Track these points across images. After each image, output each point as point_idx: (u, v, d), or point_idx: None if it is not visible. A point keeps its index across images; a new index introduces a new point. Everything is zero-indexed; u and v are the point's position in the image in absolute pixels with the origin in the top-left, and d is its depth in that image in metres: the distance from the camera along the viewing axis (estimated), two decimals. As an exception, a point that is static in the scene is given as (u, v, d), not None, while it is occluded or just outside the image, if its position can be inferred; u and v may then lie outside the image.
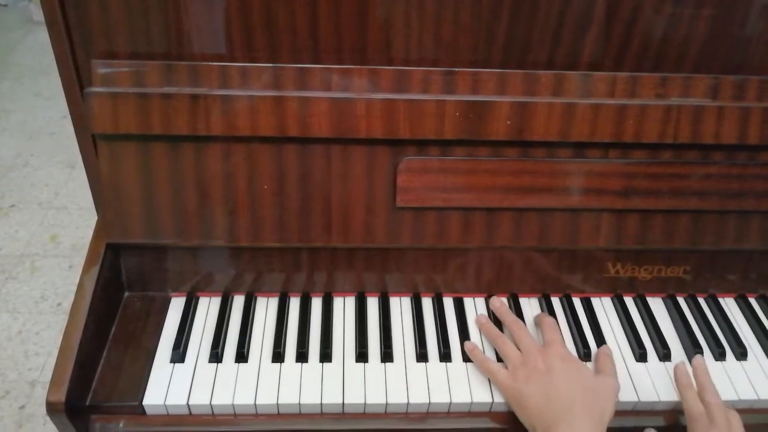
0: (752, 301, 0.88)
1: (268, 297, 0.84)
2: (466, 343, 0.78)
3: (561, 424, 0.65)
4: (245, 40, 0.73)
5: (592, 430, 0.66)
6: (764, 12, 0.74)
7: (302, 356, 0.76)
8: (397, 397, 0.73)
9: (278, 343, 0.77)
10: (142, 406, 0.71)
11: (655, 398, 0.74)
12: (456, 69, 0.74)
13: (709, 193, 0.78)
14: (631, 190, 0.78)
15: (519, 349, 0.74)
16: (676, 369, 0.75)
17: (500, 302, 0.82)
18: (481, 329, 0.80)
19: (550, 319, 0.79)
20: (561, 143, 0.76)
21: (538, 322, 0.81)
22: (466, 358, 0.77)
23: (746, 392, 0.76)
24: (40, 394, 1.51)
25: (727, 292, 0.88)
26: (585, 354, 0.78)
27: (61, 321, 1.68)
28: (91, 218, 2.13)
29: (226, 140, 0.74)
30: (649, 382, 0.76)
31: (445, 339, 0.79)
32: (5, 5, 3.41)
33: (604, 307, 0.86)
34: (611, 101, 0.74)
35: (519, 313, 0.83)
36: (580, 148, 0.77)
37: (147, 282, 0.82)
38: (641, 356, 0.79)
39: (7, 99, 2.66)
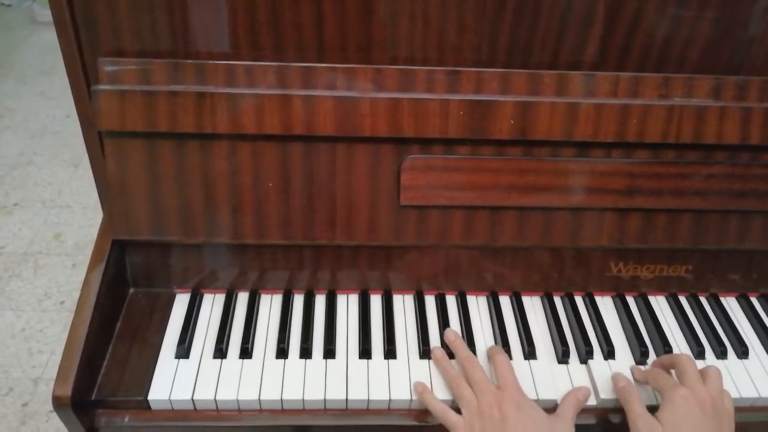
0: (753, 300, 0.88)
1: (272, 294, 0.85)
2: (416, 384, 0.74)
3: None
4: (251, 39, 0.74)
5: None
6: (766, 13, 0.74)
7: (306, 352, 0.77)
8: (400, 394, 0.73)
9: (282, 340, 0.78)
10: (147, 401, 0.71)
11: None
12: (460, 68, 0.75)
13: (711, 192, 0.79)
14: (633, 190, 0.78)
15: (473, 389, 0.71)
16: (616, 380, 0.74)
17: (455, 335, 0.78)
18: (436, 365, 0.76)
19: (503, 356, 0.74)
20: (564, 143, 0.77)
21: (489, 357, 0.76)
22: (468, 356, 0.78)
23: (748, 390, 0.76)
24: (43, 392, 1.52)
25: (728, 291, 0.89)
26: (587, 352, 0.79)
27: (64, 319, 1.68)
28: (95, 216, 2.15)
29: (231, 138, 0.74)
30: (651, 381, 0.76)
31: (447, 336, 0.79)
32: (9, 5, 3.43)
33: (605, 305, 0.86)
34: (614, 101, 0.75)
35: (521, 312, 0.83)
36: (583, 147, 0.77)
37: (152, 278, 0.83)
38: (642, 354, 0.79)
39: (10, 98, 2.67)
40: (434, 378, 0.75)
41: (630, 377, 0.76)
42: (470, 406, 0.69)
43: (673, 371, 0.73)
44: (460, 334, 0.80)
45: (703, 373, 0.71)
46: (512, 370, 0.73)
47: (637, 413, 0.68)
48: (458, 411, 0.71)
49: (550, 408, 0.73)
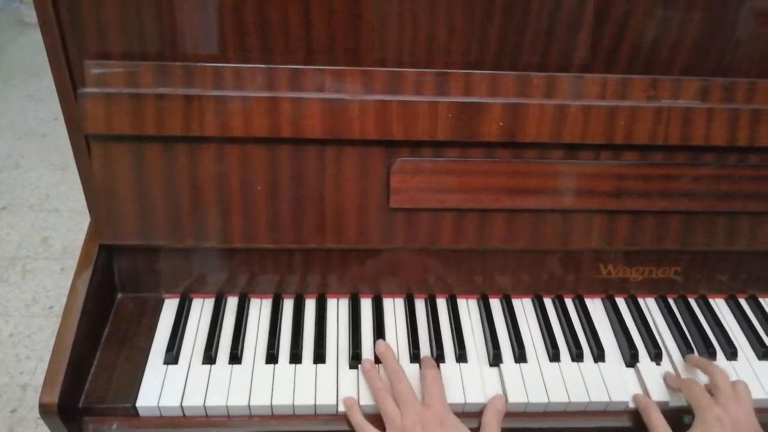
0: (742, 301, 0.89)
1: (261, 298, 0.84)
2: (345, 399, 0.72)
3: None
4: (238, 41, 0.73)
5: None
6: (752, 15, 0.75)
7: (296, 357, 0.76)
8: (391, 398, 0.73)
9: (272, 345, 0.77)
10: (136, 407, 0.71)
11: (646, 398, 0.75)
12: (449, 70, 0.74)
13: (700, 194, 0.79)
14: (622, 192, 0.78)
15: (398, 404, 0.70)
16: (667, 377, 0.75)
17: (385, 346, 0.76)
18: (365, 377, 0.74)
19: (433, 371, 0.73)
20: (553, 144, 0.76)
21: (421, 369, 0.75)
22: (459, 359, 0.78)
23: (736, 391, 0.76)
24: (32, 398, 1.50)
25: (717, 292, 0.89)
26: (577, 355, 0.79)
27: (52, 324, 1.67)
28: (83, 221, 2.13)
29: (219, 141, 0.74)
30: (641, 383, 0.76)
31: (438, 340, 0.79)
32: (-4, 7, 3.40)
33: (595, 307, 0.86)
34: (602, 103, 0.75)
35: (512, 315, 0.83)
36: (572, 149, 0.77)
37: (140, 283, 0.82)
38: (633, 356, 0.79)
39: (-3, 100, 2.65)
40: (425, 381, 0.75)
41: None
42: (393, 422, 0.68)
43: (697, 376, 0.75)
44: (450, 337, 0.80)
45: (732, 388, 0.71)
46: (441, 386, 0.72)
47: None
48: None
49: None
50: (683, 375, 0.77)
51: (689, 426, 0.69)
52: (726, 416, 0.67)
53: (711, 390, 0.71)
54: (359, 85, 0.74)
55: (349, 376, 0.75)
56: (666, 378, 0.77)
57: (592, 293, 0.87)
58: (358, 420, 0.70)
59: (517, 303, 0.86)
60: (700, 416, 0.68)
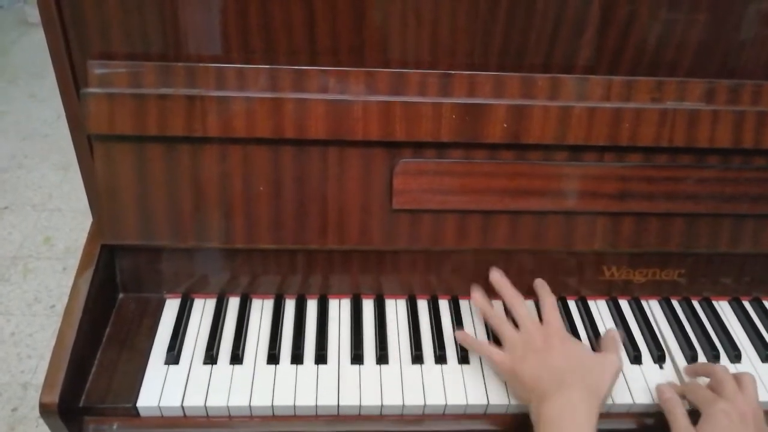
0: (746, 304, 0.88)
1: (263, 299, 0.84)
2: (458, 332, 0.77)
3: (554, 394, 0.66)
4: (242, 42, 0.73)
5: (586, 400, 0.66)
6: (758, 17, 0.74)
7: (297, 358, 0.76)
8: (393, 399, 0.72)
9: (273, 345, 0.77)
10: (136, 408, 0.70)
11: (649, 400, 0.74)
12: (453, 72, 0.74)
13: (704, 196, 0.79)
14: (626, 194, 0.78)
15: (517, 326, 0.75)
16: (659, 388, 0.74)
17: (500, 274, 0.80)
18: (477, 306, 0.79)
19: (551, 299, 0.79)
20: (557, 146, 0.76)
21: (539, 296, 0.80)
22: (461, 360, 0.77)
23: (740, 395, 0.76)
24: (33, 397, 1.50)
25: (721, 295, 0.88)
26: (580, 357, 0.78)
27: (54, 323, 1.67)
28: (85, 220, 2.14)
29: (222, 142, 0.74)
30: (644, 385, 0.76)
31: (440, 341, 0.79)
32: (0, 7, 3.41)
33: (599, 309, 0.86)
34: (607, 105, 0.75)
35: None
36: (576, 151, 0.77)
37: (142, 283, 0.82)
38: (636, 358, 0.79)
39: (1, 100, 2.65)
40: (426, 382, 0.74)
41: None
42: (513, 340, 0.73)
43: (704, 379, 0.74)
44: (452, 339, 0.80)
45: (737, 380, 0.71)
46: (558, 311, 0.77)
47: (682, 427, 0.68)
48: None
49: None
50: (686, 378, 0.77)
51: None
52: (732, 409, 0.66)
53: (716, 388, 0.70)
54: (363, 86, 0.74)
55: (350, 375, 0.75)
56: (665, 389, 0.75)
57: (595, 295, 0.87)
58: (474, 341, 0.76)
59: (519, 305, 0.85)
60: (706, 411, 0.68)
